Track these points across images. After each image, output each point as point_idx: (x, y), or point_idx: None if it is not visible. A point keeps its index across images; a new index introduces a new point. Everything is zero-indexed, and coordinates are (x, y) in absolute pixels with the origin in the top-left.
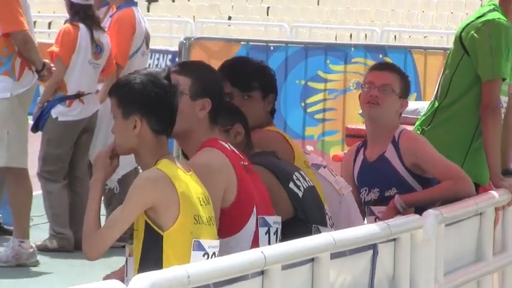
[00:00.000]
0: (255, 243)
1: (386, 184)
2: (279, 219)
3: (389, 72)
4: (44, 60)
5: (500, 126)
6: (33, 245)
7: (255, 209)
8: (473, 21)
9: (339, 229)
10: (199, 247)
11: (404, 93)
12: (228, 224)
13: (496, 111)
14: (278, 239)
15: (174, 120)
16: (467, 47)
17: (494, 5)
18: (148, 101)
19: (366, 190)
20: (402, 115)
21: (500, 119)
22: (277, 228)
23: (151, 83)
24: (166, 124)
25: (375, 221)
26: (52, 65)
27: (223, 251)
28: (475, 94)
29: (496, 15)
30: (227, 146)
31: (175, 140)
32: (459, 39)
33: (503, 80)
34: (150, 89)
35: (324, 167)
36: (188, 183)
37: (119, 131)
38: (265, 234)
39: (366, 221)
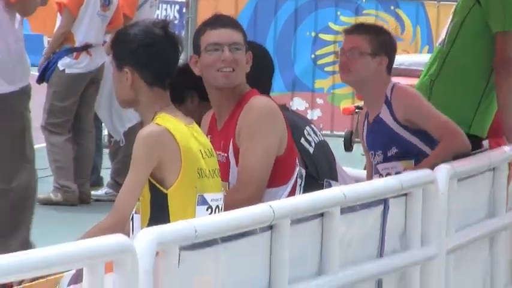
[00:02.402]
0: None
1: (386, 145)
2: (303, 171)
3: (356, 35)
4: None
5: None
6: None
7: (297, 160)
8: None
9: None
10: (203, 201)
11: (379, 50)
12: (279, 173)
13: (510, 64)
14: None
15: (170, 72)
16: None
17: None
18: (137, 52)
19: (372, 153)
20: (413, 68)
21: None
22: (301, 182)
23: (143, 34)
24: (160, 76)
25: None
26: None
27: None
28: (485, 45)
29: None
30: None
31: None
32: None
33: None
34: (140, 40)
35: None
36: (189, 136)
37: (115, 83)
38: (299, 185)
39: None
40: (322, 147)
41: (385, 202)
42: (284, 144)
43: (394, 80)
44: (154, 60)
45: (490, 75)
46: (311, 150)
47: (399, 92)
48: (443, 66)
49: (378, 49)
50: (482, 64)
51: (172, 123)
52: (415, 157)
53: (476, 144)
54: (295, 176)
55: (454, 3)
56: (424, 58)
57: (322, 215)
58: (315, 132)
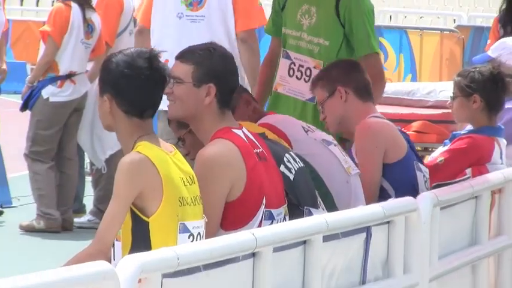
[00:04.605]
0: None
1: None
2: (283, 210)
3: None
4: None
5: None
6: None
7: (264, 201)
8: None
9: (345, 208)
10: (185, 229)
11: None
12: (234, 217)
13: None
14: None
15: (149, 103)
16: None
17: None
18: (117, 81)
19: None
20: (396, 96)
21: None
22: (279, 220)
23: (124, 63)
24: (137, 106)
25: None
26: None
27: None
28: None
29: None
30: (241, 134)
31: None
32: None
33: None
34: (121, 70)
35: (335, 144)
36: (170, 164)
37: (98, 108)
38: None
39: None
40: (302, 173)
41: (367, 230)
42: (239, 188)
43: (379, 108)
44: (132, 90)
45: None
46: (291, 177)
47: (358, 127)
48: None
49: None
50: None
51: (153, 151)
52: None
53: None
54: (257, 217)
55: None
56: (407, 86)
57: (304, 242)
58: (294, 159)
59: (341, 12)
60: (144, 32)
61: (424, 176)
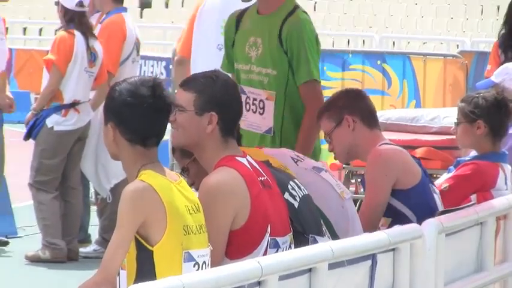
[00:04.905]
0: None
1: None
2: (288, 238)
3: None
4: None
5: None
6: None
7: (269, 229)
8: None
9: (343, 234)
10: (190, 258)
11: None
12: (239, 245)
13: None
14: None
15: (152, 131)
16: None
17: None
18: (120, 109)
19: None
20: (400, 123)
21: None
22: (285, 248)
23: (127, 92)
24: (140, 134)
25: None
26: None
27: None
28: None
29: None
30: (245, 162)
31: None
32: None
33: None
34: (124, 98)
35: (326, 170)
36: (175, 192)
37: (103, 137)
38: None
39: None
40: (306, 201)
41: (373, 257)
42: (244, 216)
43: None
44: (135, 119)
45: None
46: (296, 204)
47: (370, 156)
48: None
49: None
50: None
51: (157, 179)
52: (392, 216)
53: None
54: (262, 245)
55: (440, 57)
56: (411, 113)
57: (310, 270)
58: (299, 187)
59: (283, 40)
60: (184, 62)
61: (439, 198)
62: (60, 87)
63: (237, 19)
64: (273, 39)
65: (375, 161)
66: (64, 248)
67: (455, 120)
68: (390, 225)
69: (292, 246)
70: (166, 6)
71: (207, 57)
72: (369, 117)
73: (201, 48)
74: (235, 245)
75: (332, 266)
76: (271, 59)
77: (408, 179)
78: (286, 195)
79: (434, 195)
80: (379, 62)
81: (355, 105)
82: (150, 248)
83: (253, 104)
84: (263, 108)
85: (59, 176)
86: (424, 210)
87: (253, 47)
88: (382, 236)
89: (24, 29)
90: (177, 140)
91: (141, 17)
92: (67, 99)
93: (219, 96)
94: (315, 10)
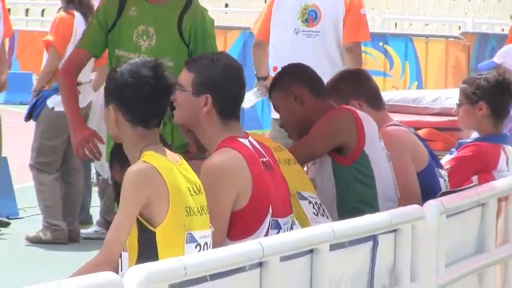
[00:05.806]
0: None
1: None
2: (290, 219)
3: None
4: None
5: None
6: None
7: (270, 210)
8: None
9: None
10: (192, 239)
11: None
12: (241, 227)
13: None
14: None
15: (153, 112)
16: None
17: None
18: (121, 90)
19: None
20: (402, 104)
21: None
22: (286, 229)
23: (128, 72)
24: (141, 115)
25: None
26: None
27: None
28: None
29: None
30: (247, 143)
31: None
32: None
33: None
34: (125, 79)
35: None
36: (177, 174)
37: (104, 118)
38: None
39: None
40: None
41: (374, 238)
42: (245, 197)
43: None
44: (137, 100)
45: None
46: None
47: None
48: None
49: None
50: None
51: (159, 161)
52: None
53: None
54: (263, 227)
55: (442, 39)
56: (413, 94)
57: (311, 251)
58: None
59: (184, 32)
60: (261, 45)
61: (445, 181)
62: (60, 68)
63: (120, 2)
64: (171, 30)
65: (388, 143)
66: (65, 229)
67: (457, 102)
68: None
69: (294, 227)
70: None
71: (284, 41)
72: (374, 98)
73: (277, 31)
74: (237, 226)
75: (333, 247)
76: (169, 50)
77: (416, 161)
78: None
79: (440, 179)
80: (381, 44)
81: (358, 87)
82: (152, 229)
83: None
84: None
85: (60, 157)
86: (430, 195)
87: (144, 36)
88: (383, 217)
89: (27, 10)
90: (177, 118)
91: None
92: None
93: (216, 79)
94: None
